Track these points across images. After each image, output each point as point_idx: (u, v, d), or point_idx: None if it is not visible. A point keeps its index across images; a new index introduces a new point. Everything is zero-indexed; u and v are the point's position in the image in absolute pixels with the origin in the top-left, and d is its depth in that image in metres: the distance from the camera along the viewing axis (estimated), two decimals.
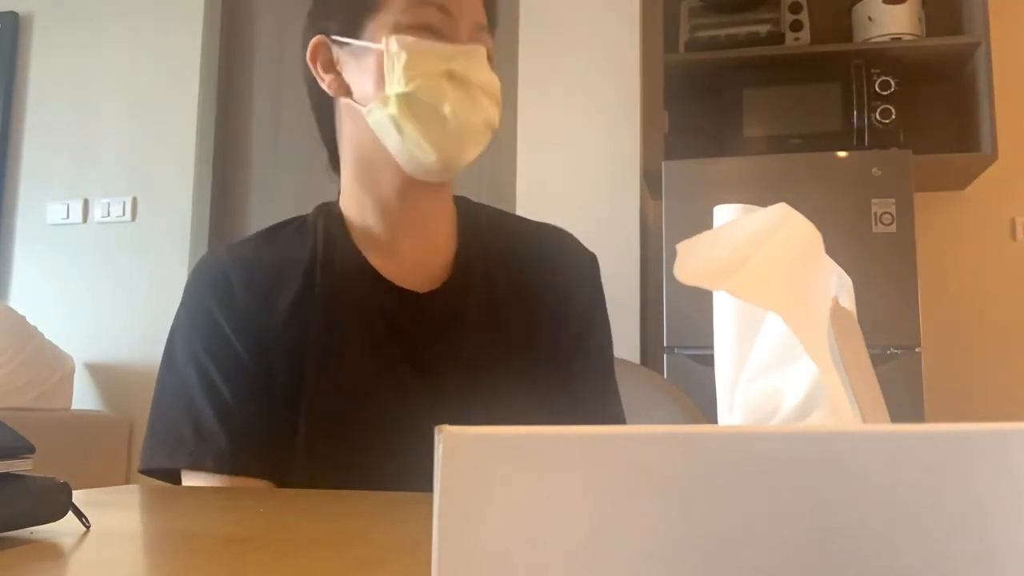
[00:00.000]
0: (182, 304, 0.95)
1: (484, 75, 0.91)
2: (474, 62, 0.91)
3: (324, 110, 0.99)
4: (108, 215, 3.19)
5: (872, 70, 2.55)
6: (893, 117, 2.53)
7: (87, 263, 3.19)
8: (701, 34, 2.76)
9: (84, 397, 3.07)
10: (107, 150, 3.22)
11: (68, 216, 3.23)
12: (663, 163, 2.55)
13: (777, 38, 2.72)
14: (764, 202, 0.38)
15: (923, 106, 2.78)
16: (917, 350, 2.32)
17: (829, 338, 0.34)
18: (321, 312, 0.91)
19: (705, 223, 0.39)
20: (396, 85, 0.89)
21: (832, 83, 2.61)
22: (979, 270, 2.84)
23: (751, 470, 0.23)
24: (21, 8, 3.37)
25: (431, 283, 0.95)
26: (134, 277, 3.12)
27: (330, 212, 0.99)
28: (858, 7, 2.75)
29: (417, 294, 0.93)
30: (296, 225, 1.00)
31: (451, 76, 0.89)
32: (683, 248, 0.33)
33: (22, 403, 2.72)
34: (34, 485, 0.47)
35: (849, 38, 2.77)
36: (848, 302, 0.41)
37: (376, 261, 0.94)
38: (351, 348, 0.90)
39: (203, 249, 3.04)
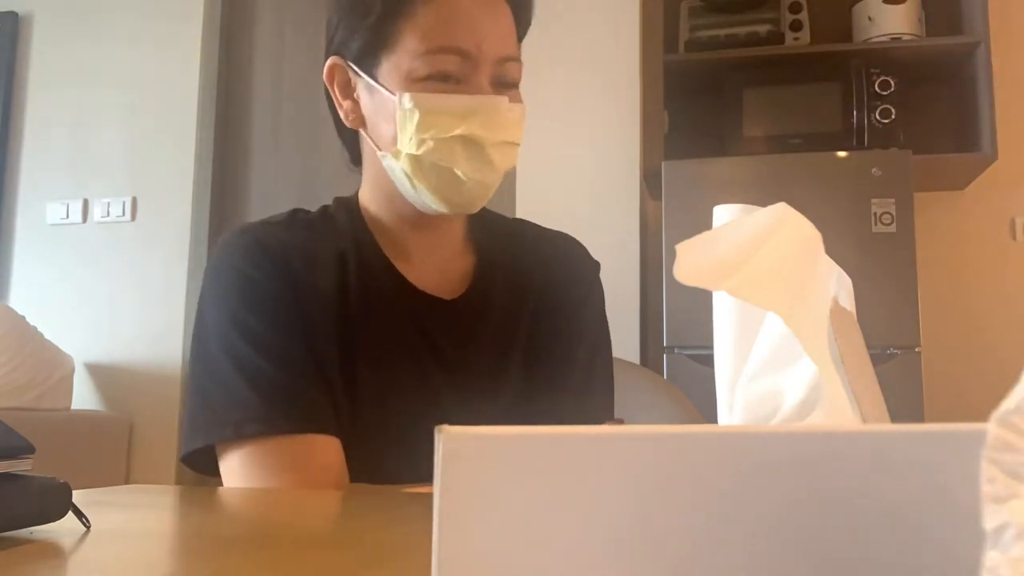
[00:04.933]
0: (210, 282, 0.90)
1: (502, 130, 0.88)
2: (491, 118, 0.87)
3: (335, 115, 0.97)
4: (108, 215, 3.19)
5: (872, 70, 2.55)
6: (893, 117, 2.53)
7: (87, 263, 3.19)
8: (701, 34, 2.76)
9: (84, 397, 3.07)
10: (107, 150, 3.22)
11: (68, 216, 3.23)
12: (663, 163, 2.54)
13: (777, 38, 2.72)
14: (764, 202, 0.38)
15: (923, 106, 2.78)
16: (917, 350, 2.32)
17: (829, 338, 0.34)
18: (356, 311, 0.90)
19: (705, 223, 0.39)
20: (408, 144, 0.87)
21: (832, 83, 2.61)
22: (979, 270, 2.84)
23: (751, 470, 0.23)
24: (21, 8, 3.37)
25: (453, 288, 0.96)
26: (134, 277, 3.12)
27: (352, 209, 0.98)
28: (858, 7, 2.75)
29: (443, 300, 0.94)
30: (318, 215, 0.98)
31: (464, 140, 0.86)
32: (683, 248, 0.33)
33: (22, 403, 2.72)
34: (34, 485, 0.47)
35: (849, 38, 2.77)
36: (848, 302, 0.41)
37: (400, 266, 0.95)
38: (382, 350, 0.90)
39: (203, 249, 3.03)
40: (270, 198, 3.06)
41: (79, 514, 0.48)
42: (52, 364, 2.88)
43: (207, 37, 3.18)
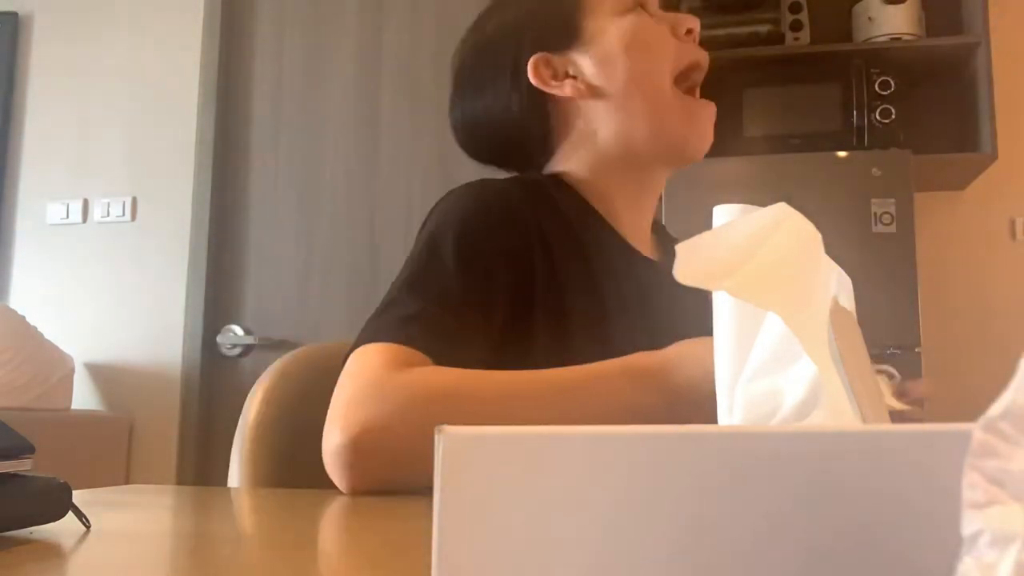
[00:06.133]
0: (466, 205, 0.90)
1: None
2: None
3: (533, 112, 0.98)
4: (108, 215, 3.19)
5: (872, 70, 2.55)
6: (893, 117, 2.53)
7: (87, 263, 3.19)
8: (701, 34, 2.76)
9: (84, 397, 3.07)
10: (107, 150, 3.22)
11: (68, 216, 3.23)
12: None
13: (777, 38, 2.72)
14: (764, 202, 0.38)
15: (923, 106, 2.78)
16: (917, 350, 2.32)
17: (829, 338, 0.34)
18: (583, 269, 0.92)
19: (705, 223, 0.39)
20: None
21: (832, 83, 2.61)
22: (979, 270, 2.84)
23: (751, 470, 0.23)
24: (21, 8, 3.37)
25: (651, 253, 1.01)
26: (134, 277, 3.11)
27: (557, 183, 0.98)
28: (858, 7, 2.74)
29: (651, 260, 0.99)
30: (523, 184, 0.97)
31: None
32: (683, 248, 0.33)
33: (22, 403, 2.72)
34: (34, 485, 0.47)
35: (849, 38, 2.76)
36: (848, 302, 0.41)
37: (614, 225, 0.98)
38: (597, 299, 0.91)
39: (203, 249, 3.03)
40: (270, 198, 3.05)
41: (79, 514, 0.48)
42: (52, 364, 2.88)
43: (207, 38, 3.18)
